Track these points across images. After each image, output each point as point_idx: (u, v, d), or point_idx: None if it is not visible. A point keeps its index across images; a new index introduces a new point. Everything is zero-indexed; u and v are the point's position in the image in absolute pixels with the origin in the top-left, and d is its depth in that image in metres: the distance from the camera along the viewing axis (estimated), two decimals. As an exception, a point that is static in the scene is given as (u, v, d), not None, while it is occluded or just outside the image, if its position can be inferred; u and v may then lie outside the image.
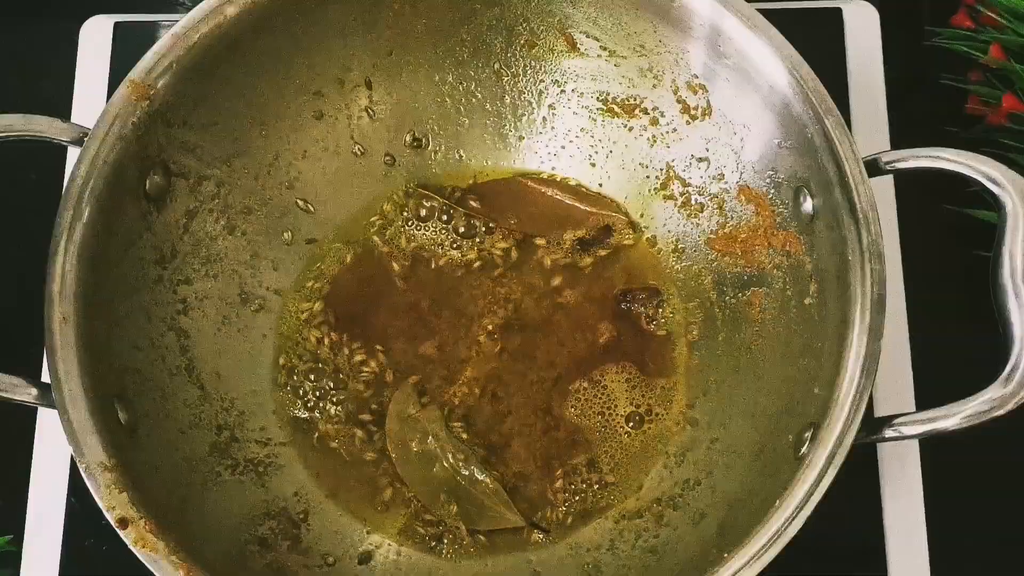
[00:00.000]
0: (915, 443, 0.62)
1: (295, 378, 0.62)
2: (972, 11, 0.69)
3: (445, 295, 0.64)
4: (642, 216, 0.65)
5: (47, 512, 0.62)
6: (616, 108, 0.64)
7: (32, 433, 0.64)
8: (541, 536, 0.59)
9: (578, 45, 0.62)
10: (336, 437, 0.61)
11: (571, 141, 0.66)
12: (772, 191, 0.58)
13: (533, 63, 0.64)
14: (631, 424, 0.61)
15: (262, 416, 0.61)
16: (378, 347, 0.63)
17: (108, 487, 0.49)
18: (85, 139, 0.54)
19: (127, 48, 0.70)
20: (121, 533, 0.48)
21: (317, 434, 0.61)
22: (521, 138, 0.66)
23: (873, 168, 0.53)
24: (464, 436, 0.61)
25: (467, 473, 0.60)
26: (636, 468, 0.60)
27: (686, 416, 0.61)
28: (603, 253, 0.64)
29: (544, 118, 0.65)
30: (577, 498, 0.60)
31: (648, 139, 0.63)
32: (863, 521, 0.60)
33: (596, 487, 0.60)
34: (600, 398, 0.61)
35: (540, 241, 0.65)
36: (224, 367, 0.61)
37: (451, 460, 0.60)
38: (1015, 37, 0.66)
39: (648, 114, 0.63)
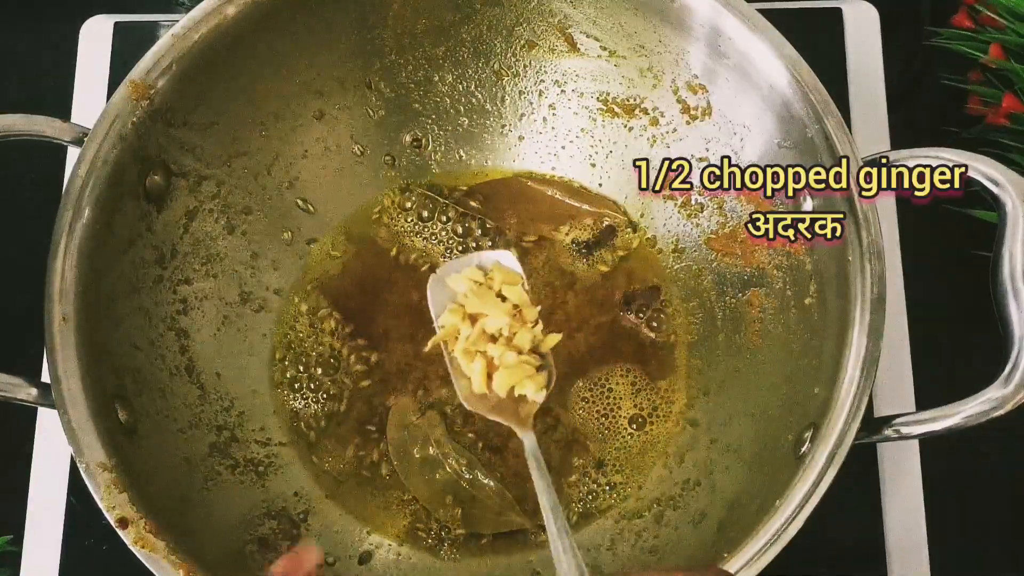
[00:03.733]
0: (915, 443, 0.62)
1: (295, 378, 0.62)
2: (972, 11, 0.69)
3: (445, 295, 0.64)
4: (642, 216, 0.65)
5: (47, 512, 0.62)
6: (616, 108, 0.64)
7: (32, 433, 0.64)
8: (544, 536, 0.59)
9: (578, 45, 0.62)
10: (336, 438, 0.61)
11: (571, 141, 0.65)
12: (772, 191, 0.58)
13: (533, 63, 0.64)
14: (633, 426, 0.61)
15: (262, 416, 0.61)
16: (378, 347, 0.63)
17: (108, 487, 0.49)
18: (85, 139, 0.54)
19: (127, 48, 0.70)
20: (121, 533, 0.48)
21: (317, 434, 0.61)
22: (521, 138, 0.66)
23: (873, 168, 0.53)
24: (470, 436, 0.61)
25: (470, 477, 0.60)
26: (637, 468, 0.60)
27: (686, 416, 0.61)
28: (606, 255, 0.64)
29: (544, 118, 0.65)
30: (589, 496, 0.60)
31: (648, 139, 0.63)
32: (863, 521, 0.60)
33: (606, 488, 0.60)
34: (605, 400, 0.61)
35: (540, 241, 0.65)
36: (224, 367, 0.61)
37: (453, 465, 0.60)
38: (1015, 37, 0.66)
39: (648, 114, 0.63)
